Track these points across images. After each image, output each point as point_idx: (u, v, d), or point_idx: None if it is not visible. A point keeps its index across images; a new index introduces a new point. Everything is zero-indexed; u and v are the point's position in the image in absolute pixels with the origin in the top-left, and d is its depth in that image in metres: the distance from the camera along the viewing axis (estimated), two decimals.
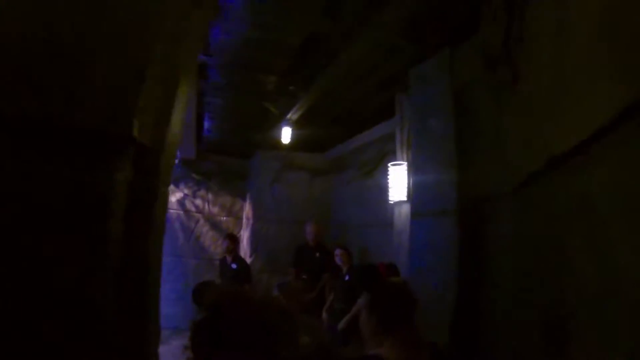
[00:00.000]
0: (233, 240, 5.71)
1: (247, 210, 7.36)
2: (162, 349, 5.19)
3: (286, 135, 5.26)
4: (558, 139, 1.61)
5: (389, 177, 3.67)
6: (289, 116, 5.08)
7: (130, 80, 1.77)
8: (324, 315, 4.93)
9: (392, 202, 3.70)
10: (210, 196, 7.57)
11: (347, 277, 4.82)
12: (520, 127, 2.28)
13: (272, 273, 6.50)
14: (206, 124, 6.70)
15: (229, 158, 7.70)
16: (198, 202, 7.49)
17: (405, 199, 3.47)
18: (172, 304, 6.96)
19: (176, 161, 7.31)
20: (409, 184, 3.44)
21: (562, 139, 1.58)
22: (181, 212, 7.37)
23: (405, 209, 3.47)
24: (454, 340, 2.46)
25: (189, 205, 7.43)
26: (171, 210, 7.28)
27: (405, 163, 3.55)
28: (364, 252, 5.19)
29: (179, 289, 6.92)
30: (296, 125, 5.36)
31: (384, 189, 4.88)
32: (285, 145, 5.66)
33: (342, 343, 4.63)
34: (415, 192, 3.14)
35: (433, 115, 3.04)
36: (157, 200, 1.91)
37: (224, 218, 7.64)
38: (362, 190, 5.63)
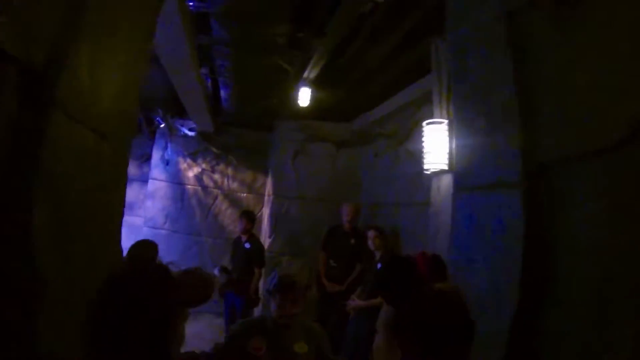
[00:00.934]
0: (249, 218, 5.09)
1: (268, 186, 6.76)
2: None
3: (304, 97, 4.54)
4: None
5: (423, 139, 2.87)
6: (305, 75, 4.34)
7: None
8: (353, 302, 4.22)
9: (428, 173, 2.91)
10: (230, 171, 7.03)
11: (379, 266, 4.12)
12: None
13: (292, 256, 5.88)
14: (222, 93, 6.12)
15: (250, 131, 7.11)
16: (217, 177, 6.97)
17: (446, 167, 2.68)
18: None
19: (194, 133, 6.88)
20: (451, 148, 2.65)
21: None
22: (198, 188, 6.89)
23: (446, 182, 2.68)
24: None
25: (207, 180, 6.92)
26: (188, 186, 6.82)
27: (446, 121, 2.74)
28: (395, 238, 4.41)
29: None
30: (316, 87, 4.61)
31: (418, 161, 4.11)
32: (304, 108, 4.95)
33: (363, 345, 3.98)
34: (459, 158, 2.34)
35: (480, 54, 2.23)
36: (44, 143, 1.33)
37: (244, 195, 7.08)
38: (393, 162, 4.84)
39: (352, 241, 4.87)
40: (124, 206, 2.29)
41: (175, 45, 3.37)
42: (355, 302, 4.10)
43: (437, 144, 2.72)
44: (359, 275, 4.74)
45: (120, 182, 2.16)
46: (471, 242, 2.04)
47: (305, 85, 4.49)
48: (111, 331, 1.02)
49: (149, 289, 1.09)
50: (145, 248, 2.15)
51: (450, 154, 2.66)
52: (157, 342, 1.07)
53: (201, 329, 5.61)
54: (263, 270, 4.94)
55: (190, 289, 1.44)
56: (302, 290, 2.19)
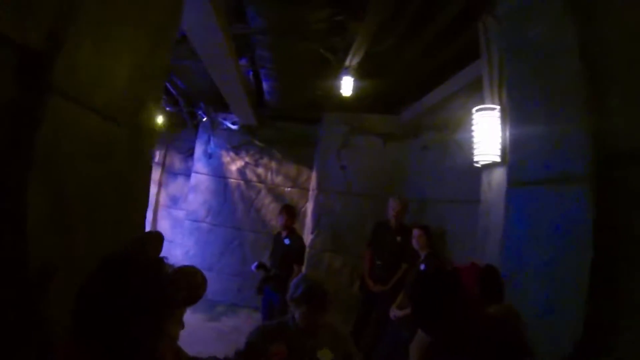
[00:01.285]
0: (289, 213, 4.92)
1: (312, 180, 6.60)
2: (211, 326, 4.65)
3: (347, 86, 4.32)
4: None
5: (473, 128, 2.56)
6: (347, 63, 4.11)
7: None
8: (393, 312, 3.98)
9: (478, 166, 2.60)
10: (273, 165, 6.94)
11: (422, 267, 3.85)
12: None
13: (335, 253, 5.67)
14: (265, 85, 6.02)
15: (295, 124, 7.00)
16: (260, 170, 6.90)
17: (498, 159, 2.37)
18: (227, 278, 6.53)
19: (236, 127, 6.84)
20: (504, 138, 2.34)
21: None
22: (241, 182, 6.86)
23: (498, 176, 2.37)
24: None
25: (250, 174, 6.87)
26: (231, 179, 6.80)
27: (498, 107, 2.42)
28: (441, 239, 4.08)
29: (235, 263, 6.44)
30: (359, 76, 4.37)
31: (468, 154, 3.78)
32: (349, 100, 4.72)
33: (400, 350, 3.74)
34: (514, 148, 2.03)
35: (538, 26, 1.90)
36: (40, 126, 1.26)
37: (288, 189, 6.95)
38: (441, 156, 4.52)
39: (399, 239, 4.61)
40: (147, 196, 2.21)
41: (208, 35, 3.26)
42: (394, 312, 3.87)
43: (488, 133, 2.41)
44: (404, 274, 4.48)
45: (141, 170, 2.06)
46: (527, 246, 1.74)
47: (347, 74, 4.26)
48: (96, 321, 0.98)
49: (138, 282, 1.03)
50: (148, 240, 2.02)
51: (503, 144, 2.34)
52: (140, 338, 1.01)
53: (239, 324, 5.57)
54: (303, 268, 4.77)
55: (178, 289, 1.30)
56: (331, 298, 2.00)
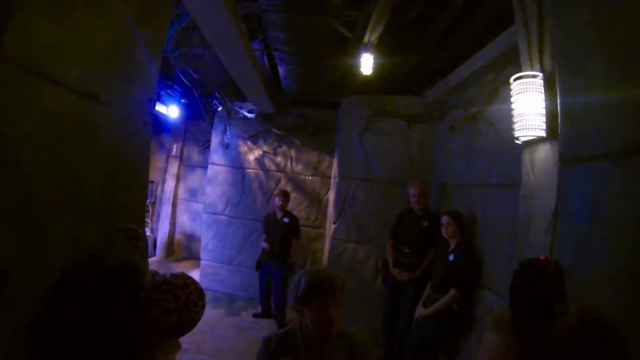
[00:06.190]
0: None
1: (334, 167, 6.32)
2: (230, 321, 4.49)
3: (367, 64, 4.00)
4: None
5: (512, 97, 2.22)
6: (366, 39, 3.79)
7: None
8: (418, 311, 3.69)
9: (519, 142, 2.26)
10: (293, 153, 6.70)
11: (451, 257, 3.54)
12: None
13: (358, 244, 5.40)
14: (280, 70, 5.76)
15: (314, 109, 6.72)
16: (279, 159, 6.67)
17: (543, 134, 2.04)
18: (246, 272, 6.36)
19: (253, 115, 6.61)
20: (549, 109, 2.00)
21: None
22: (260, 172, 6.65)
23: (544, 154, 2.03)
24: None
25: (268, 163, 6.65)
26: (249, 170, 6.59)
27: (541, 74, 2.08)
28: (472, 227, 3.75)
29: (255, 257, 6.25)
30: (380, 53, 4.05)
31: (500, 133, 3.43)
32: (371, 82, 4.41)
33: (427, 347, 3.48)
34: (568, 120, 1.70)
35: None
36: None
37: (309, 177, 6.70)
38: (470, 137, 4.16)
39: (425, 224, 4.33)
40: (146, 184, 1.98)
41: (213, 14, 2.98)
42: (420, 311, 3.60)
43: (530, 105, 2.08)
44: (432, 261, 4.19)
45: (135, 155, 1.82)
46: (589, 237, 1.42)
47: (366, 51, 3.94)
48: (55, 343, 0.81)
49: (103, 305, 0.84)
50: (117, 239, 1.58)
51: (549, 116, 2.01)
52: None
53: (260, 319, 5.36)
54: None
55: (163, 313, 0.94)
56: (343, 290, 1.65)
